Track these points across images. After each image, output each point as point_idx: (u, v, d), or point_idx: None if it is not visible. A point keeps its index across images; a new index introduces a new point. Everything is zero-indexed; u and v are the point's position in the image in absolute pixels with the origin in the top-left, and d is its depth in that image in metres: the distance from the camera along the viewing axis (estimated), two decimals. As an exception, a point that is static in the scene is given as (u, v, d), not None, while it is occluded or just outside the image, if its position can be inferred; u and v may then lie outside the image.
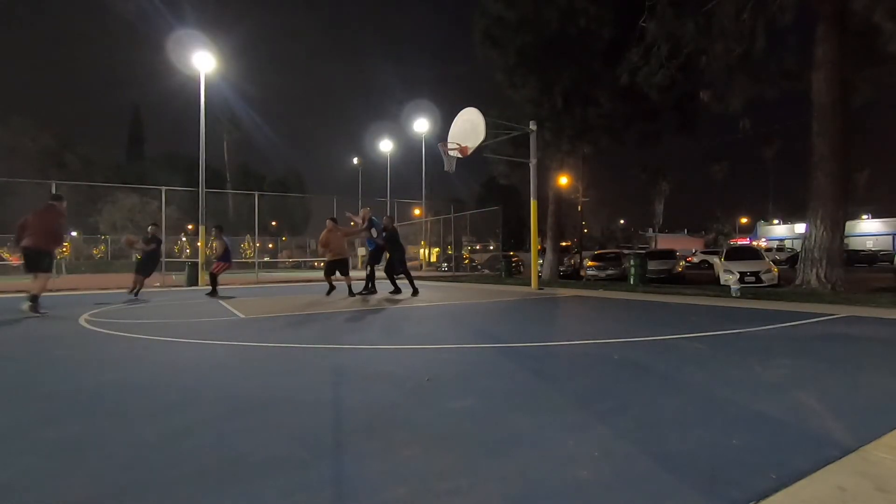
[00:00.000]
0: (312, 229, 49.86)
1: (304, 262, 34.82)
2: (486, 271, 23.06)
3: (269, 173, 56.06)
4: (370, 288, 9.83)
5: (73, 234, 36.33)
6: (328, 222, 9.54)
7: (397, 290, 9.69)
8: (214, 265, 10.66)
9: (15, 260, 28.01)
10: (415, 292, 9.64)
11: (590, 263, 17.75)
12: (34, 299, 6.33)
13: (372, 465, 1.78)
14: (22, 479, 1.71)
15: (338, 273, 9.52)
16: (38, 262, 6.24)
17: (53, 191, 13.73)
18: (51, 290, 12.36)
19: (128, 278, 10.89)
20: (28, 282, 6.37)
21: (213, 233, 11.01)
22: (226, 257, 10.65)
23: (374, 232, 9.63)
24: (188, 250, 34.77)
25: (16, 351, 4.31)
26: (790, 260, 25.68)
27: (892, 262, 25.78)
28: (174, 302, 9.06)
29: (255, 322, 6.00)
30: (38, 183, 19.71)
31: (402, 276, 9.83)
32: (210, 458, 1.86)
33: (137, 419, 2.34)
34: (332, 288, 9.75)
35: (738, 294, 8.51)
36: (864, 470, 1.68)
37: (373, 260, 10.08)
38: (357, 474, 1.70)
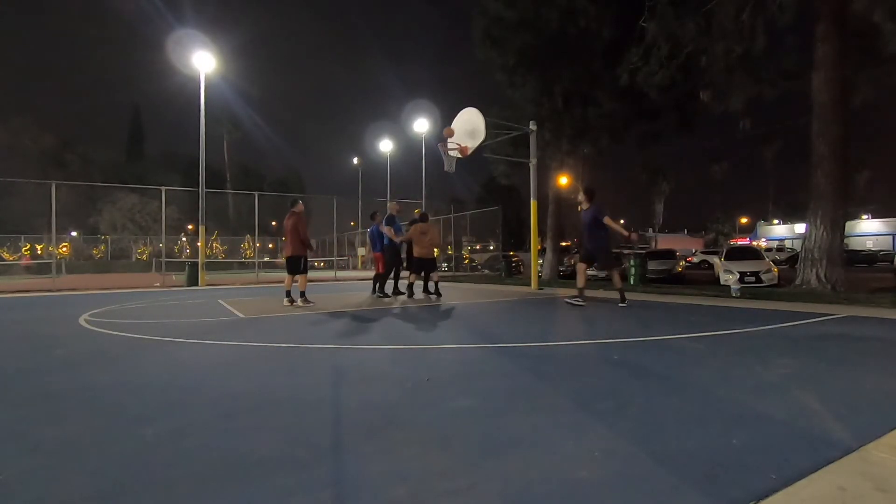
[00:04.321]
0: (313, 229, 49.87)
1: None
2: (486, 271, 23.05)
3: (269, 173, 56.11)
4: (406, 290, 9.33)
5: (73, 234, 36.36)
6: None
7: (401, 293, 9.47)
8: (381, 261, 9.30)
9: (26, 260, 28.02)
10: (396, 291, 9.55)
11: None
12: (302, 295, 7.85)
13: (372, 465, 1.78)
14: (22, 478, 1.71)
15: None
16: (296, 266, 7.72)
17: (53, 191, 13.74)
18: (50, 291, 12.39)
19: (127, 278, 10.87)
20: (288, 278, 7.87)
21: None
22: (378, 245, 9.25)
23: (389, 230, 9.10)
24: (188, 250, 34.80)
25: (16, 351, 4.31)
26: (790, 260, 25.66)
27: (892, 262, 25.76)
28: (174, 302, 9.06)
29: (255, 322, 6.00)
30: (38, 183, 19.66)
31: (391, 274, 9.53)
32: (210, 458, 1.86)
33: (137, 419, 2.34)
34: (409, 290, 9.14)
35: (738, 294, 8.50)
36: (864, 470, 1.68)
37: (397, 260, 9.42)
38: (357, 474, 1.70)
